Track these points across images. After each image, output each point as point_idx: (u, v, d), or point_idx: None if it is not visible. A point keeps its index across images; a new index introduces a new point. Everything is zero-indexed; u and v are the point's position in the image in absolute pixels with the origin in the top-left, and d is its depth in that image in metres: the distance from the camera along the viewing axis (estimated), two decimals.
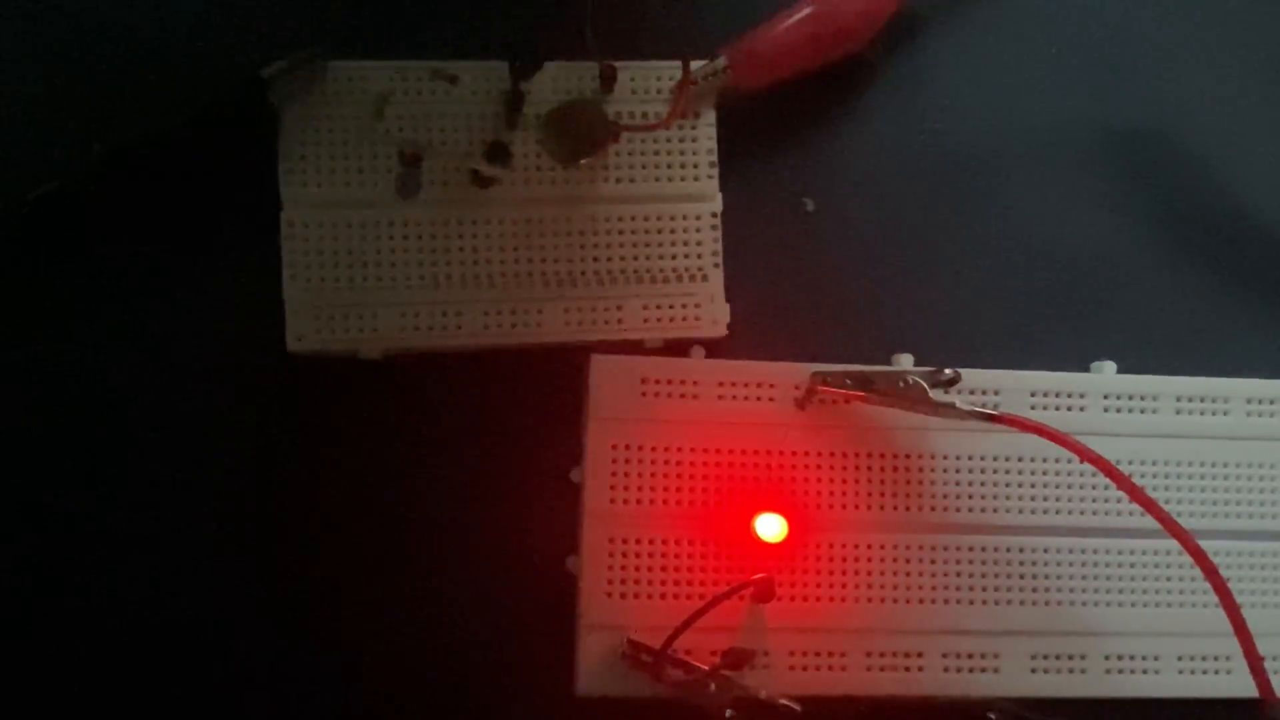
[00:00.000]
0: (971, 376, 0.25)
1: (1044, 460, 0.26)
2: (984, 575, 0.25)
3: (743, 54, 0.26)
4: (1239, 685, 0.25)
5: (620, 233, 0.25)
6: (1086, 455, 0.22)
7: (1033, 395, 0.26)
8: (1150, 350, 0.27)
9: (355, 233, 0.25)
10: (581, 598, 0.24)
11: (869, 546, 0.25)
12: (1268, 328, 0.28)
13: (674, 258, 0.26)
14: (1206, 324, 0.28)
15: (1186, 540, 0.21)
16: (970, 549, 0.25)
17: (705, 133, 0.26)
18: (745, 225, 0.27)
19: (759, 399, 0.25)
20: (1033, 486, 0.26)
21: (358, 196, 0.25)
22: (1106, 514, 0.26)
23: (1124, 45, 0.29)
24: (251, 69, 0.24)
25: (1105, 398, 0.26)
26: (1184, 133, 0.28)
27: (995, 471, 0.26)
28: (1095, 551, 0.26)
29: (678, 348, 0.26)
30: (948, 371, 0.24)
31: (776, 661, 0.25)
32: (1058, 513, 0.26)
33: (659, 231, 0.26)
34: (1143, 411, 0.26)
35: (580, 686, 0.24)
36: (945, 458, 0.26)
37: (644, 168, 0.26)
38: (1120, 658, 0.26)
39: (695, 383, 0.25)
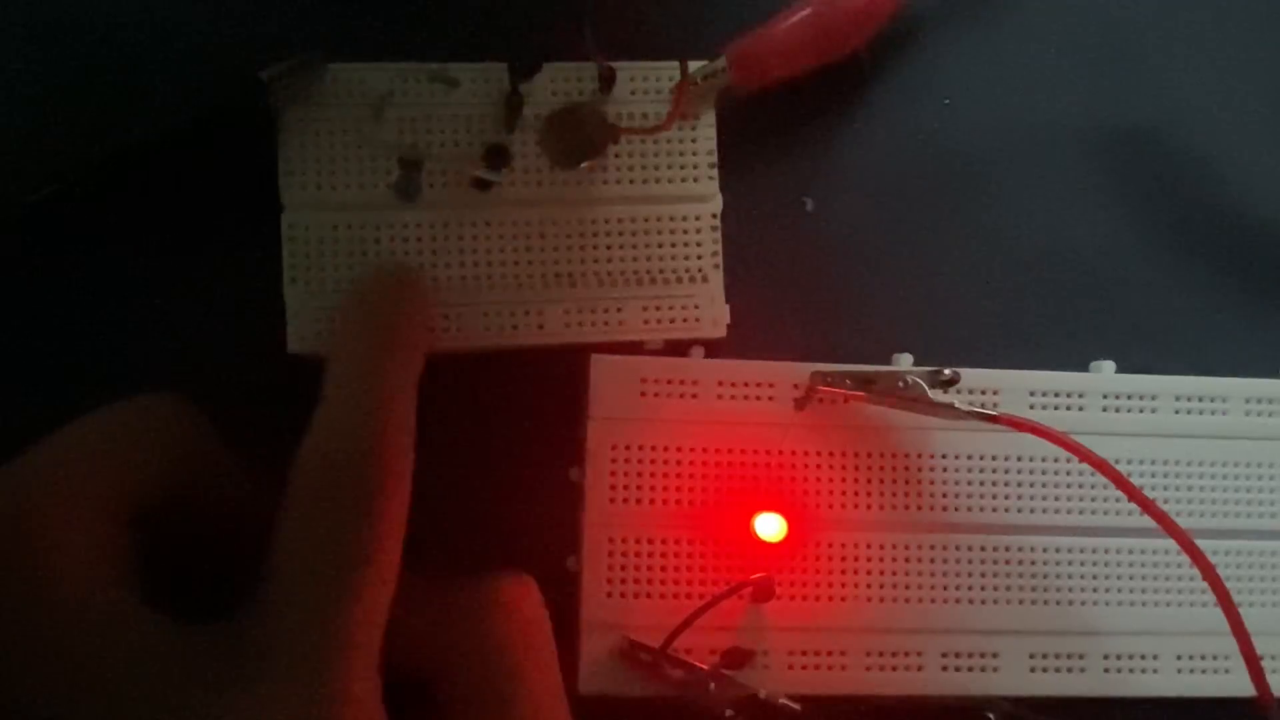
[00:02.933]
0: (971, 376, 0.25)
1: (1044, 460, 0.26)
2: (984, 575, 0.25)
3: (742, 54, 0.26)
4: (1238, 685, 0.25)
5: (620, 234, 0.26)
6: (1085, 455, 0.22)
7: (1032, 395, 0.26)
8: (1150, 350, 0.27)
9: (355, 235, 0.25)
10: (581, 598, 0.25)
11: (869, 546, 0.25)
12: (1268, 328, 0.28)
13: (674, 259, 0.26)
14: (1206, 324, 0.28)
15: (1184, 540, 0.21)
16: (970, 549, 0.26)
17: (705, 133, 0.26)
18: (745, 225, 0.27)
19: (759, 399, 0.25)
20: (1033, 486, 0.26)
21: (358, 199, 0.25)
22: (1106, 514, 0.26)
23: (1124, 45, 0.29)
24: (251, 71, 0.24)
25: (1104, 397, 0.26)
26: (1184, 133, 0.28)
27: (995, 471, 0.26)
28: (1095, 551, 0.26)
29: (678, 348, 0.26)
30: (947, 371, 0.24)
31: (776, 661, 0.25)
32: (1057, 512, 0.26)
33: (659, 233, 0.26)
34: (1142, 411, 0.26)
35: (581, 686, 0.24)
36: (945, 458, 0.26)
37: (644, 169, 0.26)
38: (1119, 657, 0.26)
39: (695, 383, 0.25)
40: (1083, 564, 0.26)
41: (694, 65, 0.26)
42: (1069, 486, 0.26)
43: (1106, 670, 0.26)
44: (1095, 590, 0.26)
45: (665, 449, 0.25)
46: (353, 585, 0.19)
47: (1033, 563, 0.26)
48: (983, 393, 0.26)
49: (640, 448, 0.25)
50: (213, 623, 0.19)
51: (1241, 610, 0.21)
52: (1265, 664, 0.21)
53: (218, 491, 0.22)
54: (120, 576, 0.19)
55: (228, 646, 0.19)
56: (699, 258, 0.26)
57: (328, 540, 0.19)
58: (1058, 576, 0.26)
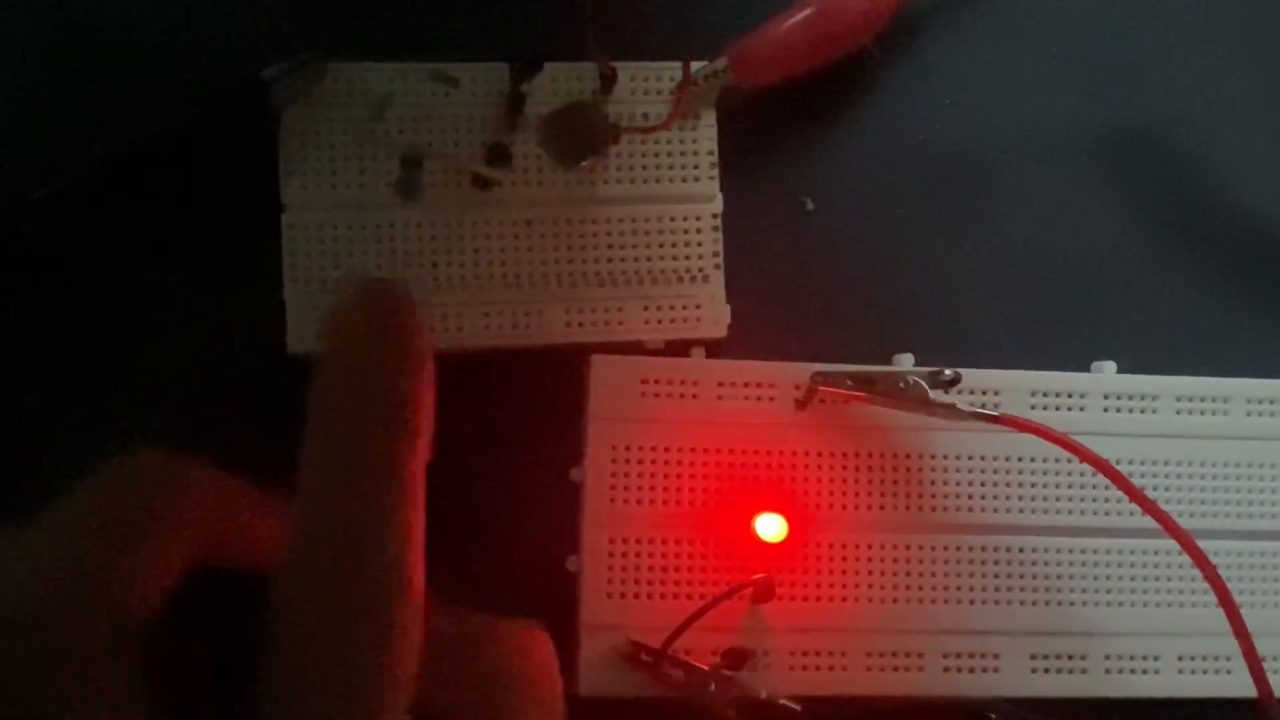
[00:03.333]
0: (971, 376, 0.25)
1: (1044, 460, 0.26)
2: (984, 575, 0.25)
3: (743, 54, 0.26)
4: (1239, 685, 0.25)
5: (621, 234, 0.26)
6: (1085, 456, 0.22)
7: (1033, 395, 0.26)
8: (1150, 350, 0.27)
9: (356, 235, 0.25)
10: (581, 598, 0.24)
11: (869, 546, 0.25)
12: (1268, 328, 0.28)
13: (674, 259, 0.26)
14: (1206, 324, 0.28)
15: (1185, 540, 0.21)
16: (970, 549, 0.25)
17: (705, 133, 0.26)
18: (745, 225, 0.27)
19: (759, 399, 0.25)
20: (1033, 486, 0.26)
21: (358, 198, 0.25)
22: (1106, 514, 0.26)
23: (1124, 45, 0.29)
24: (252, 70, 0.24)
25: (1105, 398, 0.26)
26: (1184, 133, 0.28)
27: (995, 471, 0.26)
28: (1095, 551, 0.26)
29: (678, 348, 0.26)
30: (948, 372, 0.24)
31: (776, 661, 0.25)
32: (1058, 513, 0.26)
33: (659, 232, 0.26)
34: (1143, 411, 0.26)
35: (581, 686, 0.24)
36: (945, 458, 0.26)
37: (644, 169, 0.26)
38: (1120, 658, 0.26)
39: (695, 383, 0.25)
40: (1083, 564, 0.26)
41: (695, 65, 0.26)
42: (1069, 487, 0.26)
43: (1107, 670, 0.26)
44: (1096, 590, 0.26)
45: (665, 449, 0.25)
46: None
47: (1033, 563, 0.26)
48: (983, 393, 0.26)
49: (640, 448, 0.25)
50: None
51: (1242, 610, 0.21)
52: (1266, 664, 0.21)
53: (241, 551, 0.19)
54: (128, 695, 0.17)
55: None
56: (699, 258, 0.26)
57: (350, 682, 0.16)
58: (1058, 577, 0.26)
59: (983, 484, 0.26)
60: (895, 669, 0.25)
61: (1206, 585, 0.21)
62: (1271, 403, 0.27)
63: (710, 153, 0.26)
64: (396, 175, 0.25)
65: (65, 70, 0.26)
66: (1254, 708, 0.22)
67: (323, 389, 0.17)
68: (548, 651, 0.20)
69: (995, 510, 0.26)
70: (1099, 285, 0.28)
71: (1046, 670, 0.25)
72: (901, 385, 0.24)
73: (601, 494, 0.25)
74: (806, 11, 0.26)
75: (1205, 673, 0.26)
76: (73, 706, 0.16)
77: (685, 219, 0.26)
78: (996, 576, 0.25)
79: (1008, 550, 0.26)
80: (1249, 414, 0.27)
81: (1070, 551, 0.26)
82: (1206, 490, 0.26)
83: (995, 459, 0.26)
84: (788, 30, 0.26)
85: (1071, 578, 0.26)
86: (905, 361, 0.26)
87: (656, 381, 0.25)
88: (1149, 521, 0.22)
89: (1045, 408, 0.26)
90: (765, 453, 0.25)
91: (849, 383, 0.25)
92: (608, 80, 0.25)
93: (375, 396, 0.17)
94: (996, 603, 0.25)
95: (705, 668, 0.24)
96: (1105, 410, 0.26)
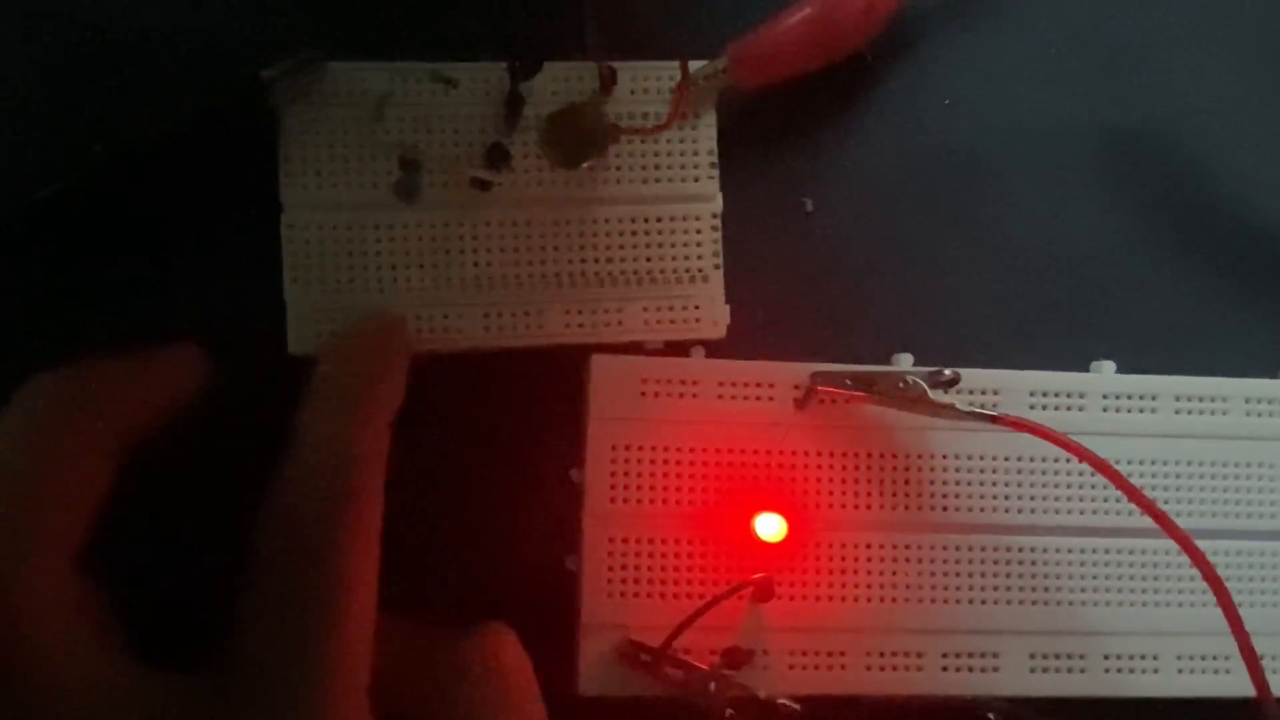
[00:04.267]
0: (971, 376, 0.25)
1: (1044, 460, 0.26)
2: (984, 575, 0.26)
3: (743, 54, 0.26)
4: (1238, 685, 0.25)
5: (620, 234, 0.26)
6: (1085, 456, 0.22)
7: (1032, 395, 0.26)
8: (1150, 350, 0.27)
9: (356, 235, 0.25)
10: (581, 597, 0.25)
11: (869, 546, 0.25)
12: (1268, 328, 0.28)
13: (674, 259, 0.26)
14: (1206, 324, 0.28)
15: (1184, 540, 0.21)
16: (970, 549, 0.26)
17: (705, 133, 0.26)
18: (745, 225, 0.27)
19: (759, 399, 0.25)
20: (1033, 486, 0.26)
21: (358, 199, 0.25)
22: (1106, 514, 0.26)
23: (1124, 45, 0.29)
24: (251, 70, 0.24)
25: (1104, 397, 0.26)
26: (1184, 133, 0.28)
27: (995, 471, 0.26)
28: (1095, 551, 0.26)
29: (678, 348, 0.26)
30: (947, 372, 0.24)
31: (776, 661, 0.25)
32: (1057, 513, 0.26)
33: (659, 233, 0.26)
34: (1142, 411, 0.26)
35: (581, 686, 0.24)
36: (945, 458, 0.26)
37: (644, 169, 0.26)
38: (1119, 657, 0.26)
39: (695, 383, 0.25)
40: (1083, 564, 0.26)
41: (694, 65, 0.26)
42: (1069, 487, 0.26)
43: (1106, 670, 0.26)
44: (1095, 590, 0.26)
45: (665, 449, 0.25)
46: (325, 650, 0.19)
47: (1033, 563, 0.26)
48: (983, 393, 0.26)
49: (640, 448, 0.25)
50: (191, 672, 0.19)
51: (1241, 610, 0.21)
52: (1265, 664, 0.21)
53: None
54: (96, 627, 0.19)
55: (209, 707, 0.19)
56: (699, 258, 0.26)
57: (300, 603, 0.19)
58: (1058, 576, 0.26)
59: (982, 484, 0.26)
60: (895, 669, 0.25)
61: (1205, 585, 0.21)
62: (1271, 403, 0.27)
63: (710, 153, 0.26)
64: (396, 176, 0.25)
65: (65, 70, 0.26)
66: (1253, 708, 0.22)
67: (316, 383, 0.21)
68: (518, 650, 0.21)
69: (994, 510, 0.26)
70: (1099, 285, 0.28)
71: (1045, 670, 0.25)
72: (901, 385, 0.24)
73: (601, 494, 0.25)
74: (806, 11, 0.26)
75: (1204, 672, 0.26)
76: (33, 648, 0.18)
77: (685, 219, 0.26)
78: (995, 576, 0.26)
79: (1007, 550, 0.26)
80: (1248, 414, 0.27)
81: (1069, 551, 0.26)
82: (1205, 490, 0.26)
83: (994, 459, 0.26)
84: (787, 30, 0.26)
85: (1070, 577, 0.26)
86: (904, 361, 0.26)
87: (656, 381, 0.25)
88: (1148, 521, 0.22)
89: (1044, 407, 0.26)
90: (765, 453, 0.25)
91: (848, 383, 0.25)
92: (607, 80, 0.25)
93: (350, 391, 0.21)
94: (996, 602, 0.25)
95: (705, 667, 0.24)
96: (1104, 410, 0.26)
